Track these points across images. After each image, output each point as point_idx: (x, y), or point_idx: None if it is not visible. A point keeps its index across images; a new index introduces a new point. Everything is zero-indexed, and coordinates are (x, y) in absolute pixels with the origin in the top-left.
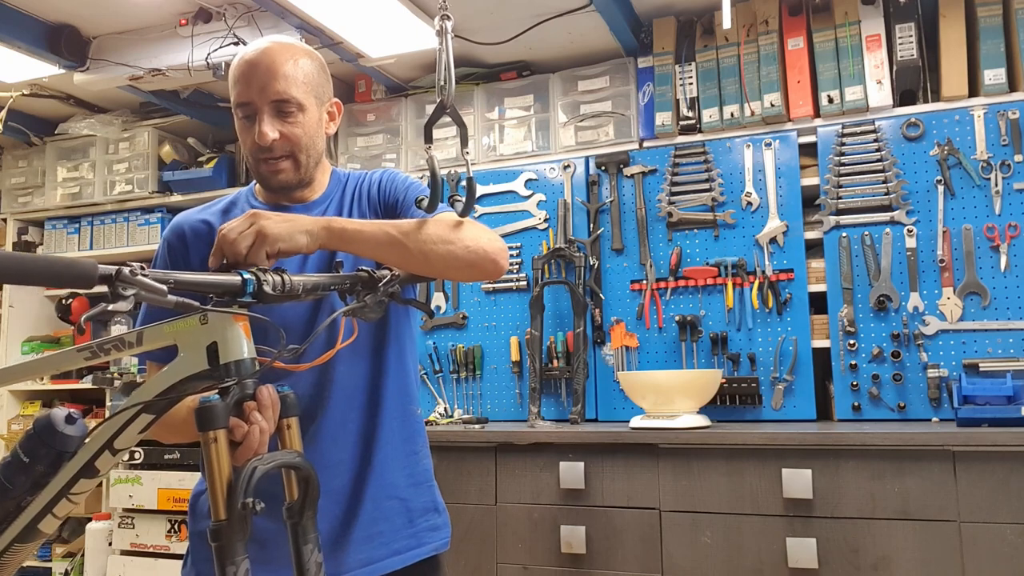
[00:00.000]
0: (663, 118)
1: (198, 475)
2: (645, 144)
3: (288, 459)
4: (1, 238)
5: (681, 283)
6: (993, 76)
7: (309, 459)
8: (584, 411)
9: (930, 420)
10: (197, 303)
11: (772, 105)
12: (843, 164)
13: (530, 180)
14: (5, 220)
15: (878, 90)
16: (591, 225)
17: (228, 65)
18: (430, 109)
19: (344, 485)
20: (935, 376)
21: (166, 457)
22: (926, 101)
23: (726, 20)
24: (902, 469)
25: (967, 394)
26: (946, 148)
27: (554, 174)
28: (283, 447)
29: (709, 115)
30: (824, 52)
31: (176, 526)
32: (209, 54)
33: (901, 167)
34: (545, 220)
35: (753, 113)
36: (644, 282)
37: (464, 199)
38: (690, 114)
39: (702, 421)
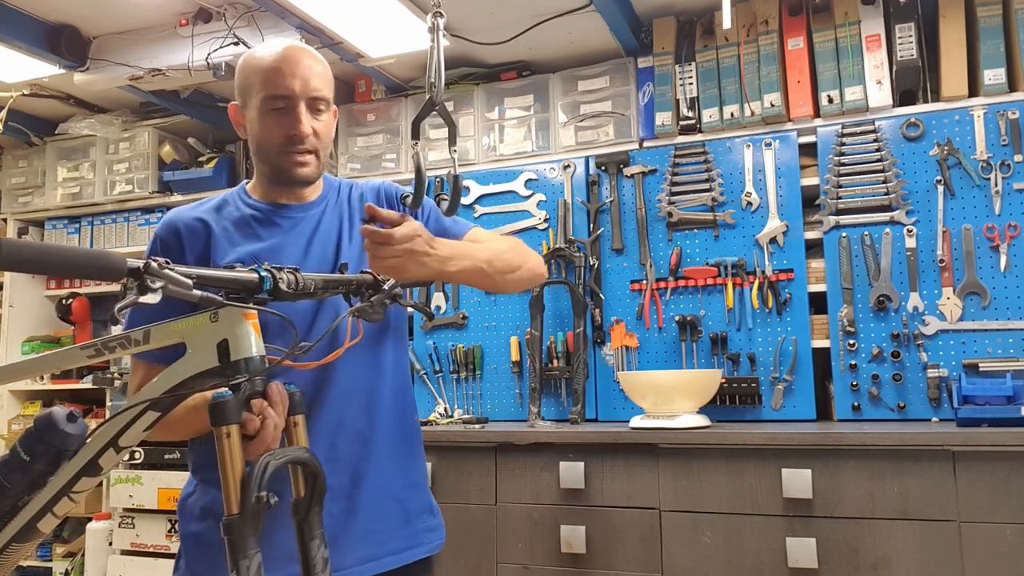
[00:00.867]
0: (663, 118)
1: None
2: (645, 144)
3: (298, 455)
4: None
5: (681, 283)
6: (993, 76)
7: None
8: (584, 411)
9: (930, 420)
10: (221, 298)
11: (772, 105)
12: (843, 164)
13: (530, 180)
14: (5, 220)
15: (878, 90)
16: (591, 225)
17: (228, 65)
18: (421, 106)
19: (342, 484)
20: (935, 376)
21: (166, 457)
22: (926, 101)
23: (726, 20)
24: (902, 469)
25: (967, 394)
26: (946, 148)
27: (554, 174)
28: (290, 444)
29: (709, 115)
30: (824, 52)
31: (176, 526)
32: (209, 54)
33: (901, 167)
34: (545, 220)
35: (753, 113)
36: (644, 282)
37: (450, 197)
38: (690, 114)
39: (702, 421)
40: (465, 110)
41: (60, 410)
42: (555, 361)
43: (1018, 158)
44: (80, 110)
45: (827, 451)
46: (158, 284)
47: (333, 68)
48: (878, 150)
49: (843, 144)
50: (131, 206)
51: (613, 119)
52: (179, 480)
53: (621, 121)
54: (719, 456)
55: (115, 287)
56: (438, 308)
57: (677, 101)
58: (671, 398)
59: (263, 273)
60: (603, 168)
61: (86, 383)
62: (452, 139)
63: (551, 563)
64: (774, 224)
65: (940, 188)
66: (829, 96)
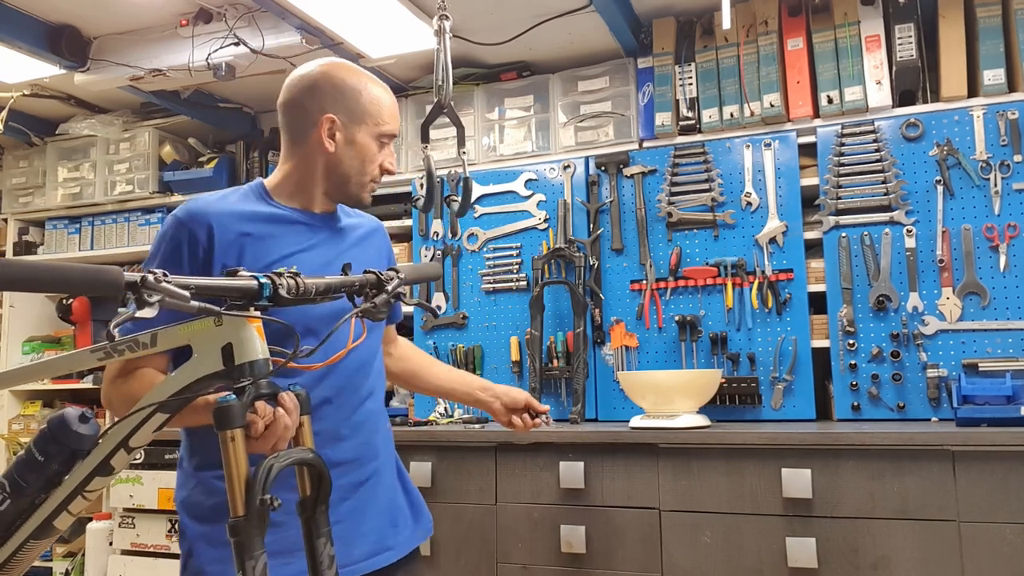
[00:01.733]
0: (663, 118)
1: None
2: (645, 144)
3: (302, 456)
4: (2, 238)
5: (681, 283)
6: (992, 76)
7: None
8: (584, 411)
9: (929, 420)
10: (218, 308)
11: (772, 105)
12: (842, 164)
13: (530, 180)
14: (6, 220)
15: (877, 90)
16: (591, 225)
17: (229, 65)
18: (430, 109)
19: (345, 485)
20: (934, 376)
21: (167, 457)
22: (925, 101)
23: (726, 20)
24: (901, 469)
25: (966, 394)
26: (945, 148)
27: (554, 174)
28: (296, 444)
29: (709, 115)
30: (824, 52)
31: (176, 526)
32: (210, 55)
33: (900, 167)
34: (545, 220)
35: (753, 113)
36: (644, 282)
37: (460, 199)
38: (690, 114)
39: (702, 421)
40: (465, 110)
41: (73, 411)
42: (555, 361)
43: (1017, 158)
44: (81, 110)
45: (827, 451)
46: (155, 298)
47: None
48: (878, 150)
49: (843, 144)
50: (131, 206)
51: (613, 119)
52: None
53: (621, 121)
54: (719, 456)
55: None
56: (438, 307)
57: (677, 101)
58: (671, 398)
59: (263, 280)
60: (603, 168)
61: (87, 383)
62: (461, 140)
63: (551, 563)
64: (774, 224)
65: (940, 188)
66: (829, 96)
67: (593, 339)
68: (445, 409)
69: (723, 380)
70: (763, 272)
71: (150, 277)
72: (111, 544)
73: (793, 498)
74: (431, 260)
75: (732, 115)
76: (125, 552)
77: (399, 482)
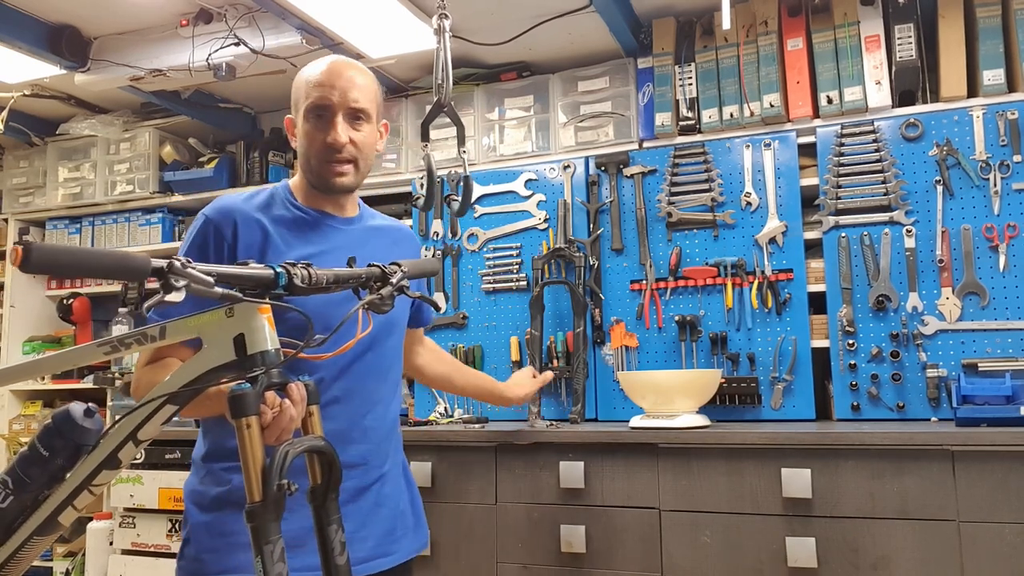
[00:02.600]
0: (663, 118)
1: None
2: (645, 144)
3: (315, 444)
4: (2, 238)
5: (681, 283)
6: (992, 76)
7: None
8: (584, 411)
9: (929, 420)
10: (242, 295)
11: (771, 105)
12: (842, 164)
13: (530, 180)
14: (6, 220)
15: (877, 90)
16: (591, 225)
17: (229, 66)
18: (430, 109)
19: (349, 489)
20: (934, 376)
21: (167, 457)
22: (925, 101)
23: (725, 21)
24: (901, 469)
25: (966, 394)
26: (945, 148)
27: (554, 174)
28: (306, 434)
29: (709, 115)
30: (823, 53)
31: (177, 525)
32: (210, 55)
33: (900, 167)
34: (545, 220)
35: (752, 113)
36: (644, 282)
37: (460, 198)
38: (690, 114)
39: (702, 421)
40: (465, 110)
41: (77, 405)
42: (555, 361)
43: (1017, 158)
44: (81, 110)
45: (826, 451)
46: (182, 283)
47: None
48: (877, 150)
49: (842, 144)
50: (132, 206)
51: (613, 119)
52: (180, 480)
53: (621, 121)
54: (719, 456)
55: (116, 288)
56: (437, 310)
57: (677, 101)
58: (671, 398)
59: (278, 269)
60: (603, 168)
61: (87, 383)
62: (461, 140)
63: (551, 563)
64: (773, 224)
65: (939, 188)
66: (828, 96)
67: (593, 339)
68: (445, 409)
69: (723, 380)
70: (763, 272)
71: (176, 263)
72: (111, 544)
73: (793, 498)
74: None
75: (732, 115)
76: (125, 552)
77: (407, 490)
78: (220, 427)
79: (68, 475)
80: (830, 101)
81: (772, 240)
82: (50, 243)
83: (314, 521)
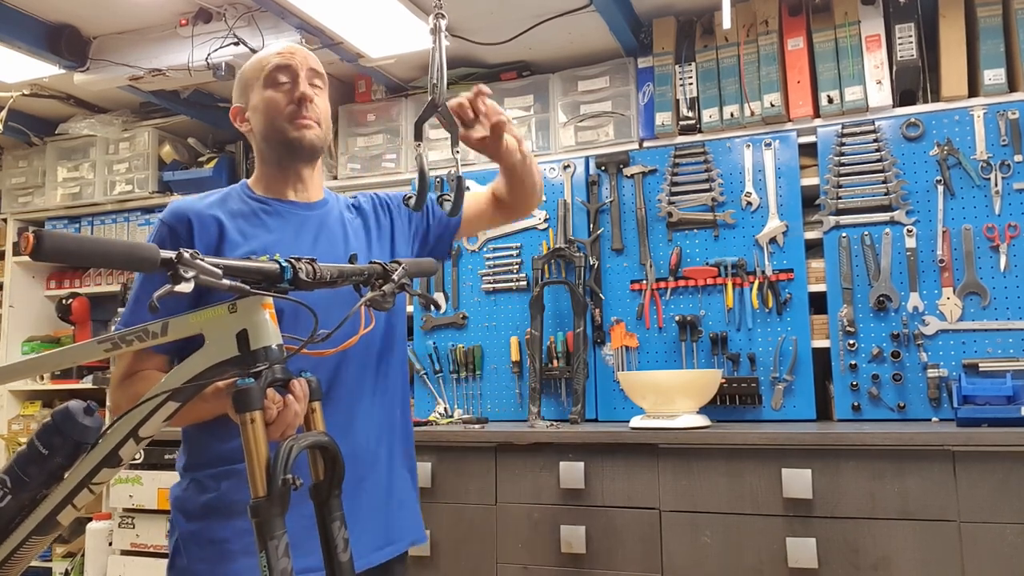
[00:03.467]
0: (663, 118)
1: None
2: (645, 144)
3: (318, 439)
4: (1, 238)
5: (681, 283)
6: (993, 76)
7: None
8: (584, 411)
9: (930, 420)
10: (249, 287)
11: (772, 105)
12: (843, 164)
13: None
14: (5, 220)
15: (878, 90)
16: (591, 225)
17: (228, 65)
18: (424, 108)
19: (353, 479)
20: (935, 376)
21: (166, 457)
22: (926, 101)
23: (726, 20)
24: (902, 469)
25: (967, 394)
26: (946, 148)
27: (554, 174)
28: (308, 430)
29: (709, 115)
30: (824, 52)
31: None
32: (209, 54)
33: (901, 167)
34: (545, 220)
35: (753, 113)
36: (644, 282)
37: (453, 197)
38: (690, 114)
39: (702, 421)
40: None
41: (77, 403)
42: (555, 361)
43: (1018, 158)
44: (80, 110)
45: (827, 451)
46: (191, 274)
47: (333, 68)
48: (878, 150)
49: (843, 144)
50: (131, 206)
51: (613, 119)
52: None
53: (621, 121)
54: (719, 456)
55: (115, 288)
56: (438, 308)
57: (677, 101)
58: (671, 398)
59: (284, 263)
60: (603, 168)
61: (86, 383)
62: (454, 140)
63: (551, 563)
64: (774, 224)
65: (940, 188)
66: (829, 96)
67: (593, 339)
68: (445, 409)
69: (723, 380)
70: (763, 272)
71: (186, 254)
72: (111, 544)
73: (793, 498)
74: None
75: (732, 115)
76: (125, 552)
77: (401, 490)
78: (202, 434)
79: (67, 473)
80: (831, 101)
81: (772, 240)
82: (61, 231)
83: (316, 518)
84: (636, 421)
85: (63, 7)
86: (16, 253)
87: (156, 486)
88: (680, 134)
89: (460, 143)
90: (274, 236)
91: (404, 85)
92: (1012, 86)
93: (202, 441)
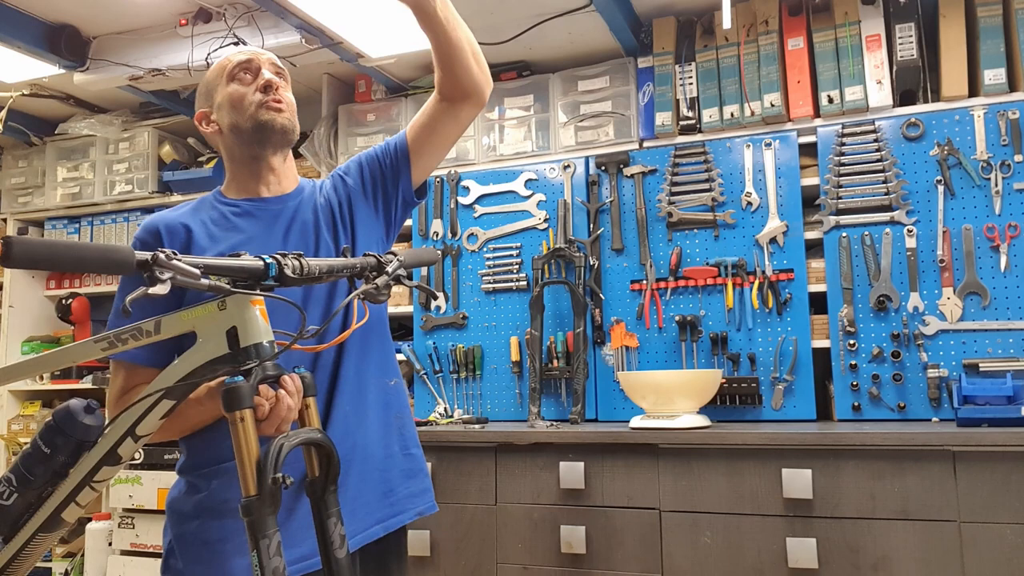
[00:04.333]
0: (663, 118)
1: None
2: (645, 144)
3: (311, 436)
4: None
5: (681, 283)
6: (993, 76)
7: None
8: (584, 411)
9: (930, 420)
10: (229, 286)
11: (772, 105)
12: (843, 164)
13: (530, 180)
14: (5, 220)
15: (878, 90)
16: (591, 225)
17: None
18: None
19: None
20: (935, 376)
21: (166, 457)
22: (926, 101)
23: (726, 20)
24: (902, 469)
25: (967, 394)
26: (946, 148)
27: (554, 174)
28: (302, 425)
29: (709, 115)
30: (824, 52)
31: None
32: (209, 54)
33: (901, 167)
34: (545, 220)
35: (753, 113)
36: (644, 282)
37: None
38: (690, 114)
39: (702, 421)
40: None
41: (78, 402)
42: (555, 361)
43: (1018, 158)
44: (80, 110)
45: (827, 451)
46: (167, 275)
47: (333, 68)
48: (878, 150)
49: (843, 144)
50: (131, 206)
51: (613, 119)
52: None
53: (621, 121)
54: (719, 456)
55: (115, 288)
56: (438, 308)
57: (677, 101)
58: (671, 398)
59: (268, 260)
60: (603, 168)
61: (86, 383)
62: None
63: (551, 563)
64: (774, 224)
65: (940, 188)
66: (829, 96)
67: (593, 339)
68: (445, 409)
69: (723, 380)
70: (763, 272)
71: (161, 255)
72: (110, 544)
73: (793, 498)
74: None
75: (732, 115)
76: (124, 552)
77: (394, 475)
78: (197, 438)
79: (70, 471)
80: (831, 101)
81: (773, 240)
82: (32, 237)
83: (313, 514)
84: (636, 421)
85: (63, 7)
86: None
87: (156, 486)
88: (680, 134)
89: None
90: (244, 236)
91: (404, 85)
92: (1012, 86)
93: (197, 442)
